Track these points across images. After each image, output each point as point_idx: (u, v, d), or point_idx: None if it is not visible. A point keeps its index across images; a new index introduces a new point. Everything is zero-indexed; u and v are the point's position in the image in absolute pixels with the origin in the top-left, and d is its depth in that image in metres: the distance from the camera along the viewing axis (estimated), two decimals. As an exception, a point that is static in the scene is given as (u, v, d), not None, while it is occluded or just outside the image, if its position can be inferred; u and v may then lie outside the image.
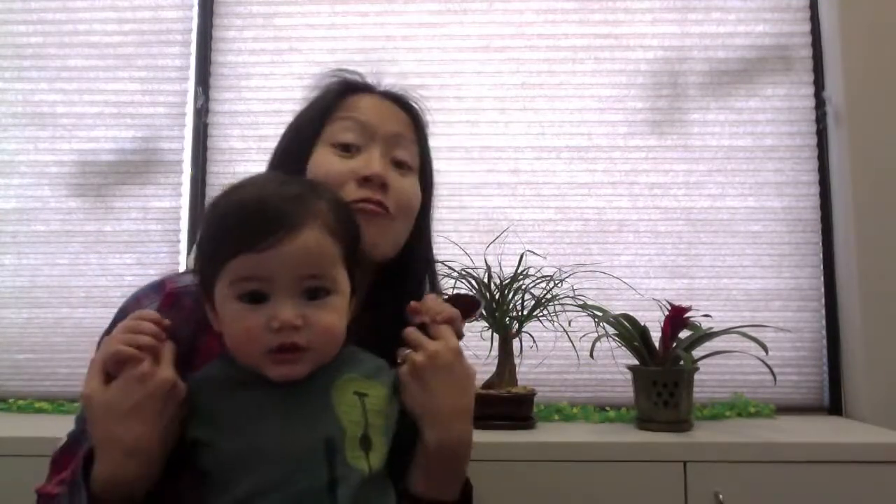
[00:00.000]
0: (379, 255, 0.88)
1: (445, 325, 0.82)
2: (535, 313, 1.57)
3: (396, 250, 0.90)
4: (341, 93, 0.93)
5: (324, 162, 0.88)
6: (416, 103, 0.98)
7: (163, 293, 0.86)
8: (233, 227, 0.72)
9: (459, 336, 0.84)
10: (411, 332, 0.82)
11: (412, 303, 0.84)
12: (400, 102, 0.95)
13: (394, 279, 0.93)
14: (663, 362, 1.52)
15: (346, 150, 0.89)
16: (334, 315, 0.73)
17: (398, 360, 0.81)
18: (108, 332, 0.85)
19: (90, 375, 0.73)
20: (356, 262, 0.78)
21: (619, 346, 1.59)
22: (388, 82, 0.98)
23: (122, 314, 0.86)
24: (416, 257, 0.95)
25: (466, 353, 0.84)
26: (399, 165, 0.90)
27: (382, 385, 0.78)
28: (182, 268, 1.94)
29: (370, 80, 0.98)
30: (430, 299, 0.85)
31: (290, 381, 0.72)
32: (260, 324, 0.70)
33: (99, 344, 0.83)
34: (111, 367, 0.73)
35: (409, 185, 0.91)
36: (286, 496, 0.68)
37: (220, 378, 0.75)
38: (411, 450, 0.80)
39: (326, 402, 0.73)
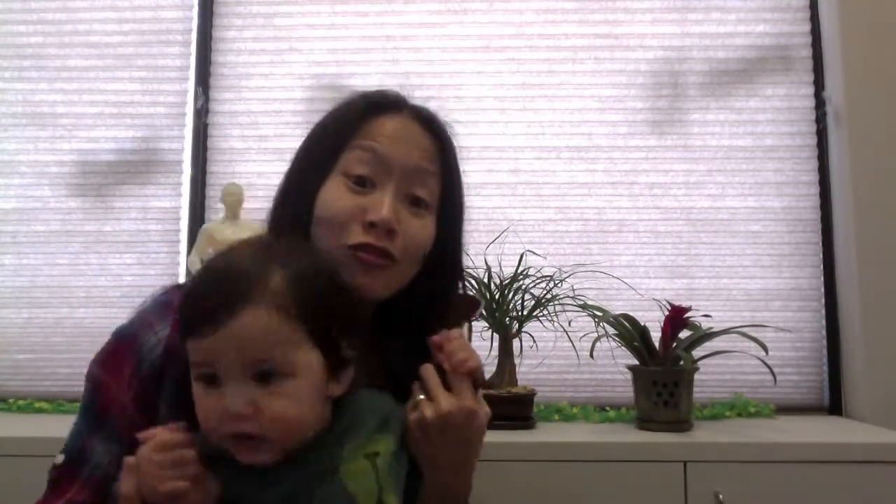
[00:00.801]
0: (373, 298, 0.83)
1: (465, 377, 0.78)
2: (535, 313, 1.57)
3: (393, 292, 0.85)
4: (364, 112, 0.85)
5: (334, 195, 0.82)
6: (445, 128, 0.90)
7: (172, 314, 0.80)
8: (185, 309, 0.70)
9: (478, 384, 0.81)
10: (429, 376, 0.78)
11: (436, 337, 0.79)
12: (429, 126, 0.87)
13: (404, 310, 0.87)
14: (663, 362, 1.52)
15: (361, 183, 0.82)
16: (288, 402, 0.67)
17: (409, 403, 0.78)
18: (113, 356, 0.82)
19: None
20: (340, 336, 0.72)
21: (619, 346, 1.59)
22: (418, 102, 0.90)
23: (129, 337, 0.82)
24: (433, 291, 0.89)
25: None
26: (415, 203, 0.84)
27: (390, 436, 0.75)
28: (182, 268, 1.94)
29: (398, 98, 0.89)
30: (456, 340, 0.79)
31: (293, 461, 0.69)
32: (216, 410, 0.67)
33: (98, 371, 0.81)
34: (155, 501, 0.67)
35: (419, 228, 0.84)
36: None
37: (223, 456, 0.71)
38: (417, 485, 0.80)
39: (336, 480, 0.70)
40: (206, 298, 0.68)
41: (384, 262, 0.81)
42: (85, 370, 0.83)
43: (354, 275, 0.80)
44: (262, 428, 0.66)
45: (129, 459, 0.68)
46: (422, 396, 0.77)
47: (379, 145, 0.83)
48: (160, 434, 0.68)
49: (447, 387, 0.77)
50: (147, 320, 0.82)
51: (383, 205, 0.81)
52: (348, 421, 0.73)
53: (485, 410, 0.80)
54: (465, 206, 0.94)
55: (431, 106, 0.90)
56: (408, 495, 0.78)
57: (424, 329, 0.82)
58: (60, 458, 0.81)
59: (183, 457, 0.67)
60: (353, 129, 0.84)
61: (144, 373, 0.79)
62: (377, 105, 0.86)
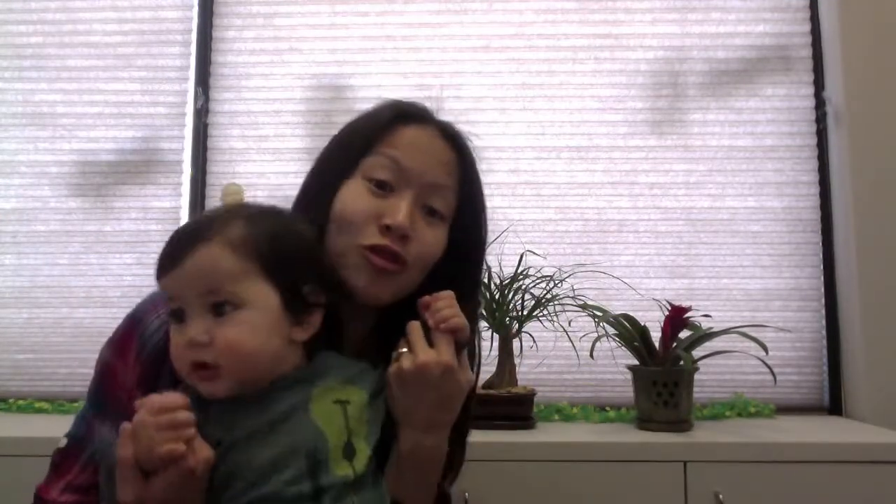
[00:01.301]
0: (374, 303, 0.85)
1: (447, 335, 0.79)
2: (535, 313, 1.57)
3: (397, 298, 0.86)
4: (391, 121, 0.88)
5: (354, 195, 0.85)
6: (467, 143, 0.92)
7: None
8: (160, 254, 0.76)
9: (462, 346, 0.82)
10: (413, 330, 0.80)
11: (426, 297, 0.81)
12: (451, 140, 0.90)
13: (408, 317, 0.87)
14: (663, 362, 1.52)
15: (380, 186, 0.84)
16: (239, 330, 0.71)
17: (392, 356, 0.81)
18: (121, 338, 0.84)
19: (127, 480, 0.68)
20: (301, 279, 0.76)
21: (619, 346, 1.59)
22: (443, 117, 0.93)
23: (136, 319, 0.85)
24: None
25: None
26: (430, 213, 0.87)
27: (362, 389, 0.78)
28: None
29: (425, 111, 0.92)
30: (446, 299, 0.81)
31: (266, 397, 0.73)
32: (181, 342, 0.72)
33: (107, 353, 0.83)
34: (152, 465, 0.68)
35: (432, 237, 0.86)
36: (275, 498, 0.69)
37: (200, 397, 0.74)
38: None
39: (307, 415, 0.73)
40: (172, 242, 0.75)
41: (395, 268, 0.83)
42: (85, 370, 0.85)
43: (361, 277, 0.82)
44: (216, 356, 0.71)
45: (126, 424, 0.69)
46: (404, 350, 0.79)
47: (401, 155, 0.85)
48: (156, 398, 0.69)
49: (431, 344, 0.79)
50: (154, 302, 0.85)
51: (400, 209, 0.83)
52: (321, 368, 0.77)
53: (466, 376, 0.82)
54: (487, 220, 0.96)
55: (455, 123, 0.93)
56: (383, 454, 0.80)
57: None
58: (64, 442, 0.83)
59: (179, 419, 0.68)
60: (379, 135, 0.87)
61: (147, 354, 0.82)
62: (404, 115, 0.89)
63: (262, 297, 0.73)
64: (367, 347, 0.87)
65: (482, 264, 0.98)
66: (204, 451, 0.69)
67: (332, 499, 0.70)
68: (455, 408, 0.81)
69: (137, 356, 0.82)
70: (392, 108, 0.90)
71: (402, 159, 0.85)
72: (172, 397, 0.69)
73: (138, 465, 0.67)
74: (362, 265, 0.82)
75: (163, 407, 0.68)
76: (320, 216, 0.85)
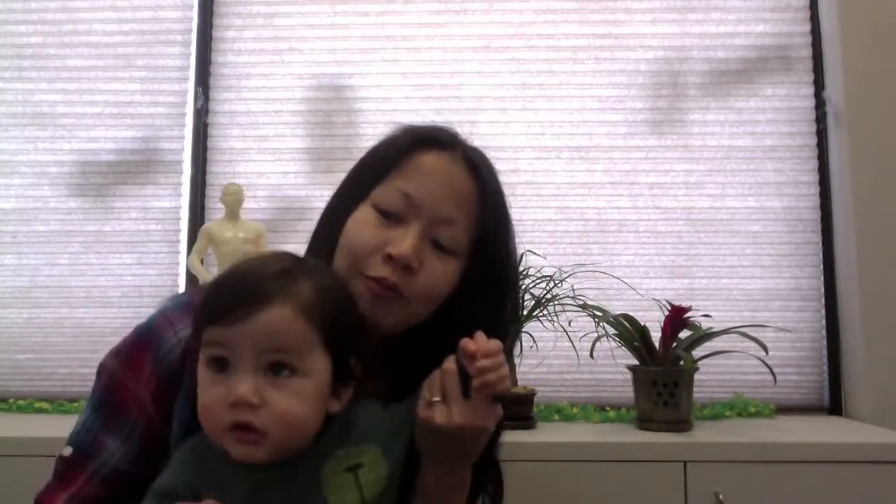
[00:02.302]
0: (382, 331, 0.82)
1: (489, 395, 0.73)
2: (535, 313, 1.57)
3: (405, 328, 0.83)
4: (409, 147, 0.85)
5: (361, 223, 0.83)
6: (489, 175, 0.88)
7: (193, 315, 0.79)
8: (212, 298, 0.71)
9: (499, 400, 0.76)
10: (449, 379, 0.74)
11: (470, 343, 0.73)
12: (472, 169, 0.86)
13: (419, 345, 0.84)
14: (663, 362, 1.52)
15: (388, 216, 0.82)
16: (296, 400, 0.68)
17: (421, 395, 0.76)
18: (133, 354, 0.82)
19: None
20: (350, 351, 0.74)
21: (619, 346, 1.59)
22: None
23: (150, 333, 0.82)
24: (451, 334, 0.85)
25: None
26: (439, 248, 0.83)
27: (377, 446, 0.74)
28: (182, 268, 1.94)
29: (446, 135, 0.88)
30: (493, 355, 0.73)
31: (277, 471, 0.70)
32: (220, 396, 0.67)
33: (115, 366, 0.82)
34: None
35: (440, 271, 0.83)
36: None
37: (206, 452, 0.71)
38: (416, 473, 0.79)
39: (319, 496, 0.70)
40: (234, 290, 0.70)
41: (391, 295, 0.80)
42: (85, 370, 0.84)
43: (364, 305, 0.79)
44: (265, 421, 0.67)
45: None
46: (437, 399, 0.74)
47: (412, 188, 0.82)
48: None
49: (464, 391, 0.73)
50: (169, 319, 0.82)
51: (405, 241, 0.80)
52: (336, 428, 0.74)
53: (497, 414, 0.77)
54: (514, 256, 0.91)
55: (482, 148, 0.90)
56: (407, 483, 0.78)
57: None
58: (69, 451, 0.82)
59: None
60: (393, 163, 0.84)
61: (163, 371, 0.80)
62: (424, 140, 0.86)
63: (320, 368, 0.71)
64: (378, 385, 0.83)
65: (506, 303, 0.91)
66: None
67: None
68: (478, 454, 0.78)
69: (153, 372, 0.80)
70: (411, 134, 0.87)
71: (413, 192, 0.82)
72: None
73: None
74: (363, 293, 0.80)
75: None
76: (332, 238, 0.84)
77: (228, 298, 0.70)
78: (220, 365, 0.69)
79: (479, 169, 0.86)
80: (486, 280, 0.86)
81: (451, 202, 0.83)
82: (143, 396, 0.80)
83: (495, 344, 0.73)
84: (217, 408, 0.68)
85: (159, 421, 0.79)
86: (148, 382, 0.80)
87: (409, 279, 0.80)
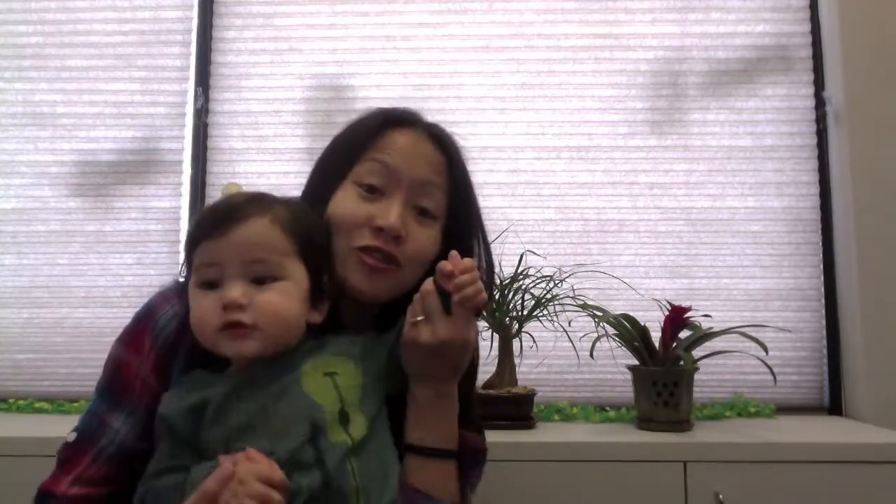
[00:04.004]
0: (373, 301, 0.88)
1: (468, 308, 0.79)
2: (535, 313, 1.57)
3: (394, 295, 0.88)
4: (379, 127, 0.92)
5: (345, 201, 0.88)
6: (455, 144, 0.95)
7: (185, 298, 0.84)
8: (199, 222, 0.82)
9: (478, 315, 0.84)
10: (429, 298, 0.80)
11: (446, 263, 0.79)
12: (438, 142, 0.93)
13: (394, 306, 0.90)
14: (663, 362, 1.52)
15: (370, 191, 0.88)
16: (280, 296, 0.78)
17: (405, 318, 0.82)
18: (134, 335, 0.85)
19: None
20: (322, 267, 0.83)
21: (619, 346, 1.59)
22: (430, 119, 0.96)
23: (147, 312, 0.87)
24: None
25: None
26: (422, 213, 0.89)
27: (349, 358, 0.81)
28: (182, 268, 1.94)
29: (413, 114, 0.95)
30: (469, 271, 0.79)
31: (261, 374, 0.77)
32: (212, 304, 0.77)
33: (119, 350, 0.85)
34: None
35: (425, 237, 0.89)
36: (281, 465, 0.71)
37: (191, 377, 0.81)
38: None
39: (299, 389, 0.76)
40: (217, 212, 0.81)
41: (388, 267, 0.86)
42: (85, 370, 0.86)
43: (358, 276, 0.85)
44: (256, 316, 0.76)
45: (227, 466, 0.68)
46: (421, 318, 0.80)
47: (389, 158, 0.89)
48: (267, 466, 0.69)
49: (446, 308, 0.80)
50: (165, 296, 0.87)
51: (391, 212, 0.86)
52: (310, 345, 0.81)
53: (475, 335, 0.84)
54: (482, 218, 0.98)
55: (441, 123, 0.96)
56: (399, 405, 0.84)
57: None
58: (73, 436, 0.84)
59: (273, 499, 0.67)
60: (368, 142, 0.90)
61: (162, 342, 0.84)
62: (391, 120, 0.93)
63: (299, 275, 0.80)
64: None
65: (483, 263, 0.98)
66: None
67: (333, 464, 0.73)
68: (465, 364, 0.84)
69: (153, 345, 0.84)
70: (380, 115, 0.94)
71: (390, 161, 0.88)
72: (277, 473, 0.69)
73: None
74: (356, 265, 0.85)
75: (266, 478, 0.68)
76: None
77: (212, 219, 0.80)
78: (211, 285, 0.78)
79: (443, 140, 0.94)
80: (463, 243, 0.91)
81: (427, 168, 0.90)
82: (145, 372, 0.83)
83: (469, 261, 0.80)
84: (210, 314, 0.77)
85: (160, 389, 0.82)
86: (149, 356, 0.84)
87: (400, 247, 0.86)
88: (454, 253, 0.80)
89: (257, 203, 0.82)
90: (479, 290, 0.80)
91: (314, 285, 0.82)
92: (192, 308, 0.79)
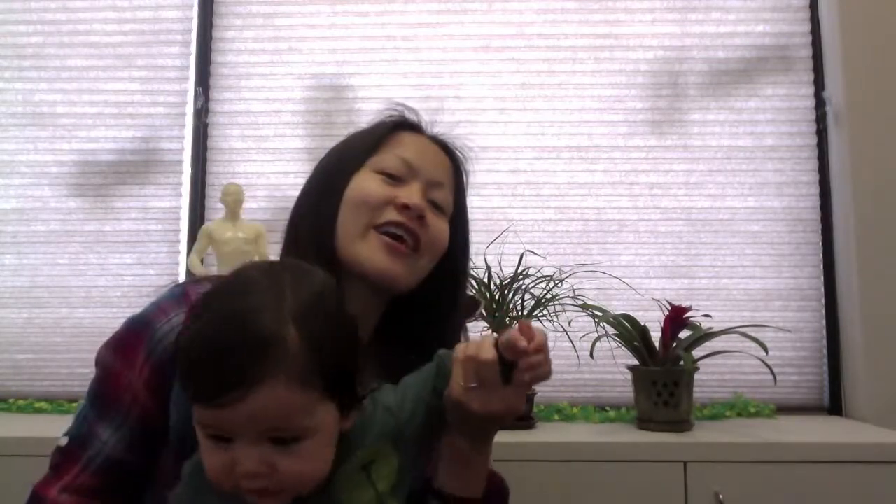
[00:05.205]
0: (398, 289, 0.88)
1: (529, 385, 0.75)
2: (535, 313, 1.57)
3: (415, 284, 0.89)
4: (393, 128, 0.95)
5: (366, 184, 0.88)
6: (460, 153, 0.99)
7: (187, 304, 0.83)
8: (191, 373, 0.65)
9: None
10: (488, 366, 0.73)
11: (520, 339, 0.71)
12: (445, 149, 0.97)
13: (407, 312, 0.91)
14: (663, 362, 1.52)
15: (391, 178, 0.89)
16: (305, 461, 0.66)
17: (458, 381, 0.74)
18: (127, 345, 0.83)
19: None
20: (353, 375, 0.70)
21: (619, 346, 1.59)
22: (437, 129, 0.99)
23: (143, 323, 0.83)
24: (440, 298, 0.93)
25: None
26: (435, 206, 0.91)
27: (385, 439, 0.74)
28: (182, 268, 1.94)
29: (422, 122, 0.99)
30: (541, 345, 0.73)
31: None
32: (226, 464, 0.65)
33: (109, 357, 0.83)
34: None
35: (441, 226, 0.91)
36: None
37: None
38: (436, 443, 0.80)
39: (328, 497, 0.70)
40: (218, 367, 0.63)
41: (403, 250, 0.86)
42: (85, 370, 0.84)
43: (379, 255, 0.85)
44: (279, 483, 0.65)
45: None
46: (474, 385, 0.73)
47: (409, 154, 0.91)
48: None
49: (503, 378, 0.73)
50: (162, 308, 0.84)
51: (415, 193, 0.88)
52: (342, 447, 0.72)
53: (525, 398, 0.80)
54: (469, 231, 1.00)
55: (441, 123, 1.00)
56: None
57: (423, 343, 0.84)
58: (64, 441, 0.83)
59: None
60: (384, 138, 0.93)
61: (157, 358, 0.81)
62: (403, 125, 0.96)
63: (327, 420, 0.67)
64: (370, 357, 0.84)
65: (467, 274, 1.03)
66: None
67: None
68: (507, 424, 0.80)
69: (147, 359, 0.81)
70: (392, 120, 0.97)
71: (410, 157, 0.90)
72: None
73: None
74: (379, 246, 0.85)
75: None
76: (329, 207, 0.88)
77: (212, 381, 0.63)
78: (221, 438, 0.65)
79: (448, 147, 0.97)
80: (459, 243, 0.96)
81: (440, 168, 0.93)
82: (136, 386, 0.81)
83: (542, 336, 0.73)
84: (224, 476, 0.65)
85: (154, 408, 0.80)
86: (141, 371, 0.81)
87: (423, 228, 0.87)
88: (526, 324, 0.73)
89: (265, 355, 0.63)
90: (550, 370, 0.74)
91: (346, 403, 0.70)
92: (203, 455, 0.68)
